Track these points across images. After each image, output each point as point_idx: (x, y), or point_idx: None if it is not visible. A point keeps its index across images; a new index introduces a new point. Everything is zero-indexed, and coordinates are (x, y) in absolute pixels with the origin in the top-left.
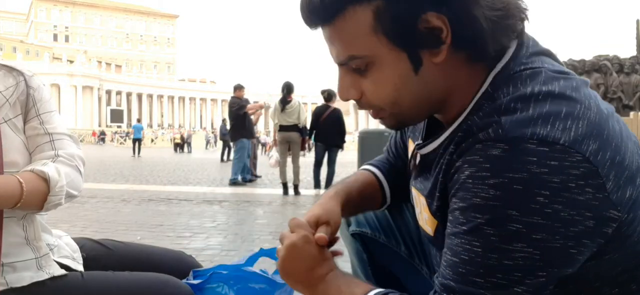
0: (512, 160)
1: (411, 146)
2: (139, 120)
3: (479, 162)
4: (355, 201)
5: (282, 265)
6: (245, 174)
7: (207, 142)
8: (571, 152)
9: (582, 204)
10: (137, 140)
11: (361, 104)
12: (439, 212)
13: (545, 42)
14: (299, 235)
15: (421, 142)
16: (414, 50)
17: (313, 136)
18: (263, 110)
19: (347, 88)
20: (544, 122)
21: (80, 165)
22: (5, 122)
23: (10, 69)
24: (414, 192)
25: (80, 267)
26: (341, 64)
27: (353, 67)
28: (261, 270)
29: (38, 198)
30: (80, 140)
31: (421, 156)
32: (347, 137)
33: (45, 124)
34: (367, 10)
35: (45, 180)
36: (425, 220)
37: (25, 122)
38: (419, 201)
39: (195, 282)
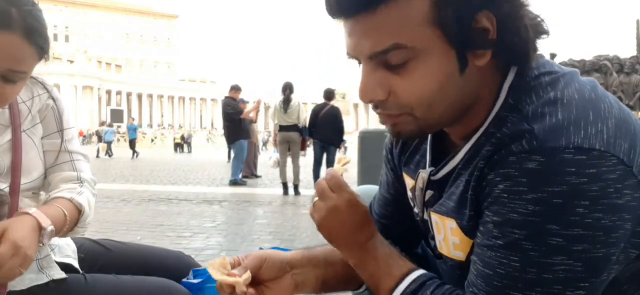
0: (550, 173)
1: (409, 181)
2: (133, 120)
3: (514, 176)
4: (324, 274)
5: (320, 224)
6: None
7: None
8: (607, 156)
9: (621, 208)
10: (133, 141)
11: (384, 105)
12: (473, 229)
13: (546, 42)
14: (343, 199)
15: (433, 169)
16: (464, 49)
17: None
18: (262, 108)
19: (374, 86)
20: (576, 128)
21: (95, 189)
22: (25, 131)
23: (32, 80)
24: (436, 217)
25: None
26: (372, 58)
27: (387, 61)
28: None
29: (71, 226)
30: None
31: (433, 181)
32: (348, 137)
33: (66, 142)
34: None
35: (79, 211)
36: (453, 245)
37: (44, 134)
38: (443, 226)
39: (195, 281)
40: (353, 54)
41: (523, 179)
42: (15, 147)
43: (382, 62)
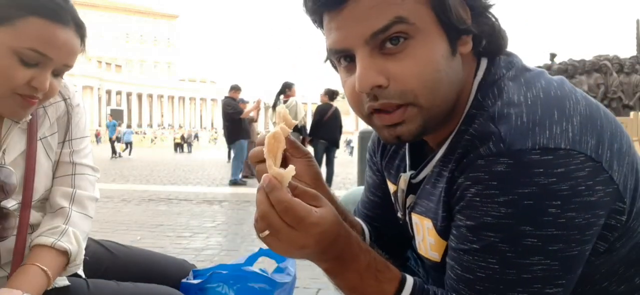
0: (519, 175)
1: (391, 186)
2: (111, 117)
3: (484, 180)
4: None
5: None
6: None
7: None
8: (574, 154)
9: (594, 205)
10: (116, 140)
11: (384, 94)
12: (447, 231)
13: (546, 42)
14: (311, 234)
15: (414, 172)
16: (452, 33)
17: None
18: (262, 107)
19: (374, 73)
20: (541, 128)
21: (92, 209)
22: (41, 140)
23: None
24: (416, 218)
25: (81, 271)
26: (369, 42)
27: (385, 44)
28: (261, 269)
29: (59, 273)
30: None
31: (414, 185)
32: (350, 137)
33: (73, 154)
34: None
35: (66, 253)
36: (429, 245)
37: (59, 142)
38: (422, 226)
39: (195, 281)
40: (345, 45)
41: (493, 182)
42: (29, 158)
43: (380, 47)
